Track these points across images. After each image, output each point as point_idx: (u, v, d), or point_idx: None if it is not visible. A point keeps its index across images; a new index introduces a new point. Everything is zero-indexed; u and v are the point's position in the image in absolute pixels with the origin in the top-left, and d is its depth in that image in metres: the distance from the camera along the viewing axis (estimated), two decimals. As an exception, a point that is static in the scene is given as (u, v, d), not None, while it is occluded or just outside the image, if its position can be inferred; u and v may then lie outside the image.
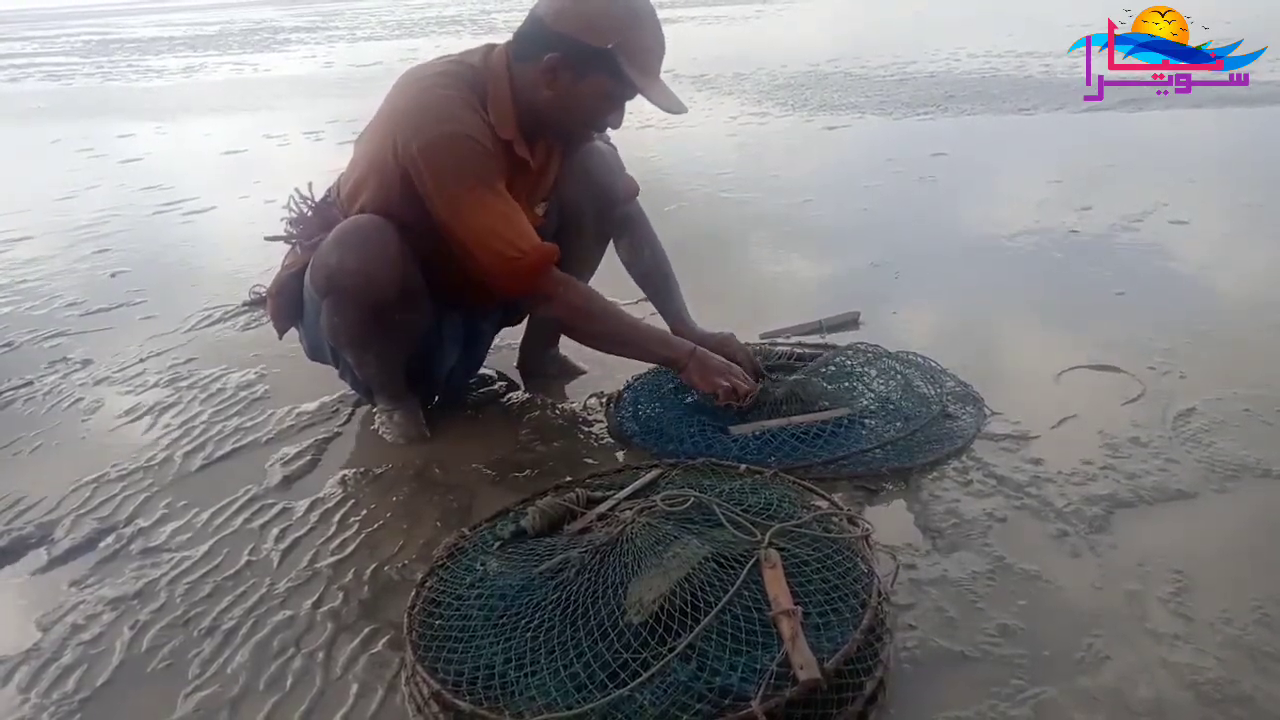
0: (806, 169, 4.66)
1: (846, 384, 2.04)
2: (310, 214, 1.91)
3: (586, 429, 2.03)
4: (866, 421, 1.88)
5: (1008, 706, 1.17)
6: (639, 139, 5.57)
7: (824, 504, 1.49)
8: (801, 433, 1.82)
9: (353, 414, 2.16)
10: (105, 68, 14.10)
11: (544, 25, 1.73)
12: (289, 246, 1.97)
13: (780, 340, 2.38)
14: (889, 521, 1.58)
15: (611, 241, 2.16)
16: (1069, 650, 1.26)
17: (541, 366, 2.30)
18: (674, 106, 1.78)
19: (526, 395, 2.21)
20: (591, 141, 1.96)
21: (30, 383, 2.48)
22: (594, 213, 2.03)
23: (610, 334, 1.92)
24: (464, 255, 1.77)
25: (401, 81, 1.81)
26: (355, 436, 2.07)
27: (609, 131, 2.03)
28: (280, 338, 2.07)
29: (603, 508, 1.50)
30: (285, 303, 1.97)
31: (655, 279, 2.15)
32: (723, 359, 1.94)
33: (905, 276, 2.90)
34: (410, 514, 1.73)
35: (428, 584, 1.39)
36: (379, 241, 1.75)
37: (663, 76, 1.79)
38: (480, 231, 1.73)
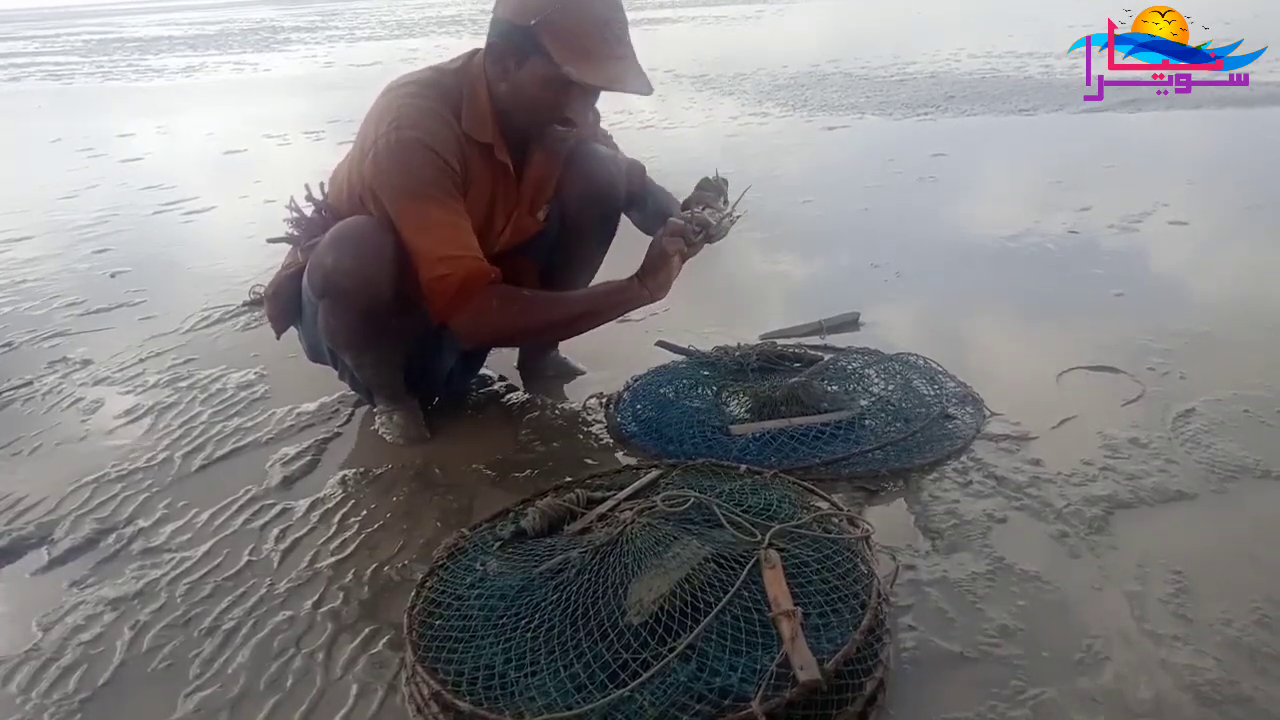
0: (806, 169, 4.66)
1: (846, 385, 2.04)
2: (311, 215, 1.91)
3: (586, 429, 2.03)
4: (866, 422, 1.88)
5: (1007, 707, 1.17)
6: (639, 139, 5.57)
7: (824, 505, 1.49)
8: (801, 433, 1.82)
9: (353, 414, 2.16)
10: (106, 67, 14.10)
11: (494, 14, 1.69)
12: (289, 247, 1.97)
13: (780, 341, 2.38)
14: (889, 522, 1.58)
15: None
16: (1069, 650, 1.26)
17: (541, 368, 2.30)
18: (615, 84, 1.63)
19: (526, 396, 2.21)
20: (564, 138, 1.83)
21: (30, 383, 2.48)
22: (596, 216, 2.02)
23: (565, 317, 1.86)
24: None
25: (381, 92, 1.79)
26: (355, 437, 2.07)
27: (604, 127, 2.01)
28: (278, 338, 2.08)
29: (603, 508, 1.50)
30: (284, 303, 1.97)
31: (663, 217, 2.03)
32: (656, 251, 1.82)
33: (905, 277, 2.90)
34: (410, 514, 1.73)
35: (428, 584, 1.39)
36: (376, 243, 1.74)
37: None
38: (414, 244, 1.69)
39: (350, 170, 1.82)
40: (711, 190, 1.91)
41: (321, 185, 1.94)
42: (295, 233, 1.93)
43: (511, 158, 1.82)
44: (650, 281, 1.81)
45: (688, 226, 1.79)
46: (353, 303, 1.77)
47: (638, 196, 2.08)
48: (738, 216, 1.92)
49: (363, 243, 1.74)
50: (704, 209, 1.85)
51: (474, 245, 1.73)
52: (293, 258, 1.94)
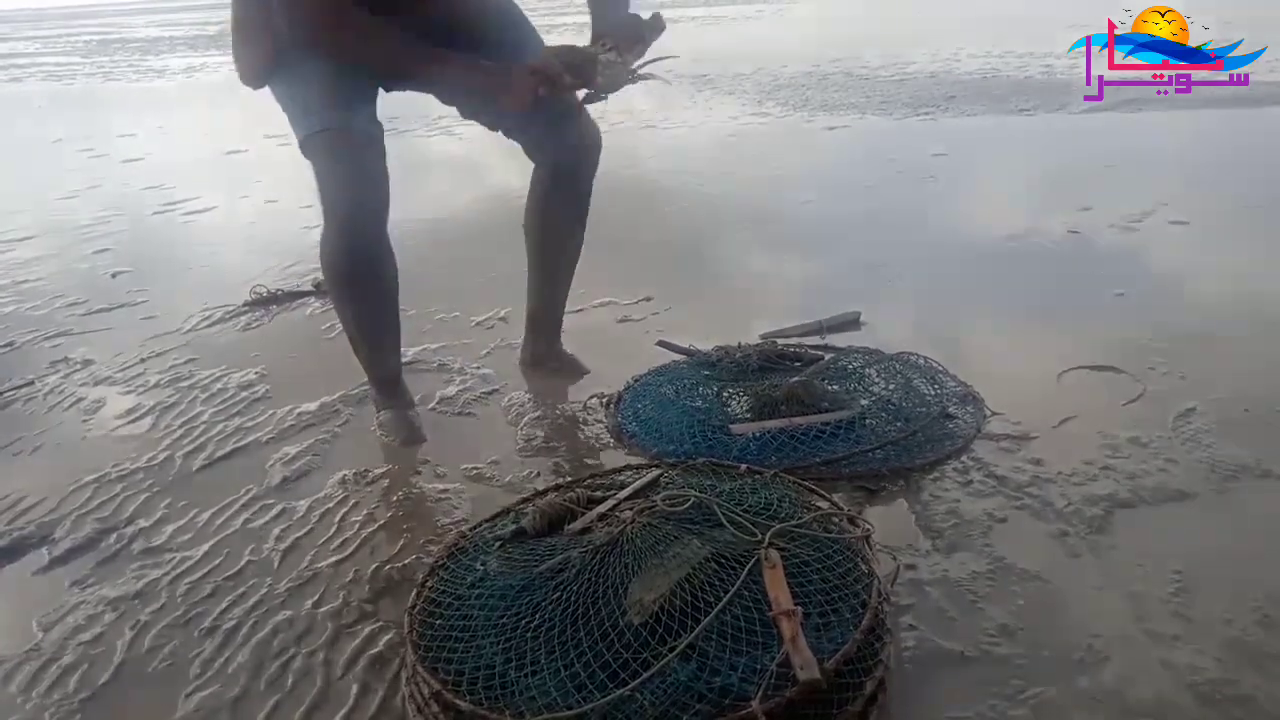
0: (807, 169, 4.66)
1: (847, 385, 2.04)
2: None
3: (586, 429, 2.03)
4: (867, 422, 1.88)
5: (1007, 706, 1.17)
6: (640, 139, 5.58)
7: (824, 504, 1.49)
8: (802, 433, 1.82)
9: (353, 414, 2.16)
10: (106, 67, 14.10)
11: None
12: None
13: (781, 341, 2.38)
14: (889, 521, 1.58)
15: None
16: (1069, 650, 1.26)
17: (544, 361, 2.30)
18: None
19: (527, 395, 2.21)
20: None
21: (31, 382, 2.48)
22: (565, 193, 2.02)
23: (407, 68, 1.73)
24: None
25: None
26: (355, 437, 2.07)
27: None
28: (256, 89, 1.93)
29: (603, 508, 1.50)
30: (257, 64, 1.82)
31: None
32: (518, 79, 1.66)
33: (906, 277, 2.90)
34: (410, 514, 1.73)
35: (428, 584, 1.39)
36: (384, 188, 1.74)
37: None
38: None
39: None
40: (631, 31, 1.67)
41: None
42: None
43: None
44: (500, 88, 1.67)
45: (559, 76, 1.60)
46: (351, 242, 1.78)
47: None
48: (642, 77, 1.68)
49: (366, 191, 1.73)
50: (608, 48, 1.63)
51: None
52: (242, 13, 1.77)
